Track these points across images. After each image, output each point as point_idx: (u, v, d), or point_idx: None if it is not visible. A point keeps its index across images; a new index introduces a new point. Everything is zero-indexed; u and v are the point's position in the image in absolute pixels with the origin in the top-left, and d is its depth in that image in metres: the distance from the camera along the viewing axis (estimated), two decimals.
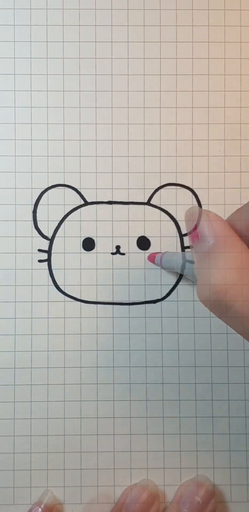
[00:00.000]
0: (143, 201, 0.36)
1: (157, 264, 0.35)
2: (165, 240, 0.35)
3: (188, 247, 0.36)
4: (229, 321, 0.25)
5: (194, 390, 0.35)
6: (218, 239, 0.25)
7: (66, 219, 0.36)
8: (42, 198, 0.35)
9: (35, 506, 0.34)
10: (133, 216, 0.36)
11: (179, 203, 0.36)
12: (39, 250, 0.35)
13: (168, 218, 0.36)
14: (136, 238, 0.36)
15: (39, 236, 0.35)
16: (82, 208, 0.36)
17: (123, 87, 0.36)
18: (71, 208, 0.36)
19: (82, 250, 0.35)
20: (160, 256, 0.35)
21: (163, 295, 0.35)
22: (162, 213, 0.36)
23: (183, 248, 0.36)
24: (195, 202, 0.36)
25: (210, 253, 0.25)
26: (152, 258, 0.35)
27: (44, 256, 0.35)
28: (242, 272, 0.24)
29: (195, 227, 0.26)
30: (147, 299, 0.35)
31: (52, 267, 0.35)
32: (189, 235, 0.27)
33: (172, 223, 0.36)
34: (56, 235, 0.35)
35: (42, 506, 0.34)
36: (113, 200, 0.36)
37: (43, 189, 0.35)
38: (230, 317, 0.25)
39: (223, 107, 0.36)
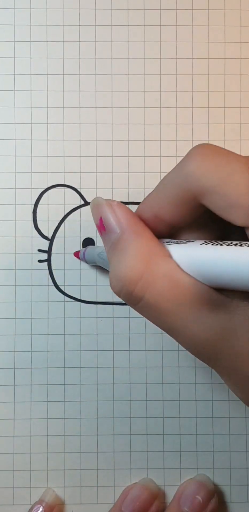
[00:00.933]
0: None
1: (81, 260, 0.35)
2: None
3: None
4: (142, 312, 0.25)
5: (194, 390, 0.35)
6: (123, 228, 0.25)
7: (66, 219, 0.36)
8: (42, 198, 0.35)
9: (36, 504, 0.34)
10: None
11: None
12: (39, 250, 0.35)
13: None
14: None
15: (39, 236, 0.35)
16: (82, 208, 0.36)
17: (124, 87, 0.36)
18: (71, 208, 0.36)
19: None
20: (83, 251, 0.34)
21: None
22: None
23: None
24: None
25: (116, 244, 0.25)
26: (77, 254, 0.35)
27: (44, 256, 0.35)
28: (149, 262, 0.24)
29: (101, 219, 0.26)
30: None
31: (52, 267, 0.35)
32: (96, 227, 0.26)
33: None
34: (56, 235, 0.35)
35: (43, 505, 0.34)
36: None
37: (43, 189, 0.35)
38: (143, 308, 0.24)
39: (223, 107, 0.36)
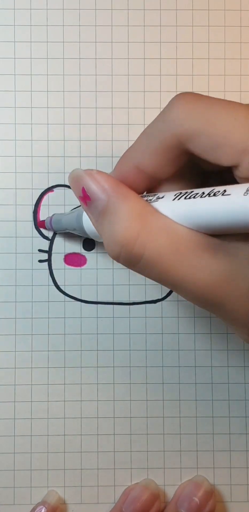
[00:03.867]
0: None
1: (47, 228, 0.35)
2: None
3: None
4: (143, 271, 0.25)
5: (194, 390, 0.35)
6: (109, 193, 0.25)
7: None
8: (43, 198, 0.35)
9: (39, 505, 0.34)
10: None
11: None
12: (40, 250, 0.35)
13: None
14: None
15: (40, 236, 0.35)
16: None
17: (124, 87, 0.36)
18: (72, 208, 0.36)
19: (83, 250, 0.35)
20: (49, 218, 0.34)
21: (163, 295, 0.35)
22: None
23: None
24: None
25: (105, 210, 0.25)
26: (41, 224, 0.35)
27: (45, 256, 0.35)
28: (143, 219, 0.24)
29: (83, 189, 0.26)
30: (147, 299, 0.35)
31: (53, 267, 0.35)
32: (79, 199, 0.26)
33: None
34: (57, 235, 0.35)
35: (46, 506, 0.34)
36: None
37: (44, 190, 0.35)
38: (144, 267, 0.24)
39: None
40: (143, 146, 0.26)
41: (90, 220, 0.27)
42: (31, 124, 0.35)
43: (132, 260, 0.24)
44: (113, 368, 0.35)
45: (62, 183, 0.35)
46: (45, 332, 0.35)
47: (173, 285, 0.25)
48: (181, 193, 0.24)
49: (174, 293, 0.35)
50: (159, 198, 0.25)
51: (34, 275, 0.35)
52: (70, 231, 0.33)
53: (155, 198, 0.25)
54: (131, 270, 0.35)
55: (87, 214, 0.27)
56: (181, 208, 0.24)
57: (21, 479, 0.35)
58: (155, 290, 0.35)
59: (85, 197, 0.26)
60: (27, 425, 0.35)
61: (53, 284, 0.35)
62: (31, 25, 0.35)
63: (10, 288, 0.35)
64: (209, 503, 0.33)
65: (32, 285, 0.35)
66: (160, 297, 0.35)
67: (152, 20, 0.36)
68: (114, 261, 0.35)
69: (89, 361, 0.35)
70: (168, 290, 0.35)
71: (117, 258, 0.25)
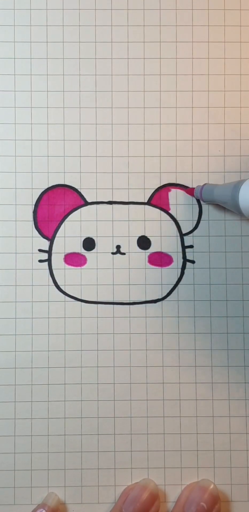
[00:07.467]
0: (143, 201, 0.36)
1: (195, 196, 0.35)
2: (165, 239, 0.36)
3: (188, 247, 0.36)
4: None
5: (194, 390, 0.35)
6: None
7: (66, 219, 0.36)
8: (43, 198, 0.35)
9: (39, 507, 0.34)
10: (133, 216, 0.36)
11: (179, 203, 0.36)
12: (40, 250, 0.35)
13: (168, 218, 0.36)
14: (136, 238, 0.36)
15: (40, 236, 0.35)
16: (82, 208, 0.36)
17: (124, 87, 0.36)
18: (72, 208, 0.36)
19: (83, 250, 0.35)
20: (200, 187, 0.34)
21: (164, 295, 0.35)
22: (162, 213, 0.36)
23: (184, 247, 0.36)
24: (195, 202, 0.36)
25: None
26: (190, 191, 0.35)
27: (45, 256, 0.35)
28: None
29: None
30: (147, 299, 0.35)
31: (53, 267, 0.35)
32: None
33: (172, 222, 0.36)
34: (57, 235, 0.35)
35: (46, 508, 0.34)
36: (114, 200, 0.36)
37: (44, 189, 0.35)
38: None
39: (223, 107, 0.36)
40: None
41: None
42: (31, 124, 0.35)
43: None
44: (114, 368, 0.35)
45: (62, 183, 0.36)
46: (45, 332, 0.35)
47: None
48: None
49: (174, 293, 0.35)
50: None
51: (34, 275, 0.35)
52: (220, 203, 0.32)
53: None
54: (130, 270, 0.35)
55: None
56: None
57: (21, 479, 0.35)
58: (155, 290, 0.35)
59: None
60: (27, 425, 0.35)
61: (53, 284, 0.35)
62: (31, 25, 0.35)
63: (10, 288, 0.35)
64: (216, 508, 0.33)
65: (32, 285, 0.35)
66: (160, 297, 0.35)
67: (152, 20, 0.36)
68: (114, 261, 0.35)
69: (89, 361, 0.35)
70: (168, 290, 0.35)
71: None
